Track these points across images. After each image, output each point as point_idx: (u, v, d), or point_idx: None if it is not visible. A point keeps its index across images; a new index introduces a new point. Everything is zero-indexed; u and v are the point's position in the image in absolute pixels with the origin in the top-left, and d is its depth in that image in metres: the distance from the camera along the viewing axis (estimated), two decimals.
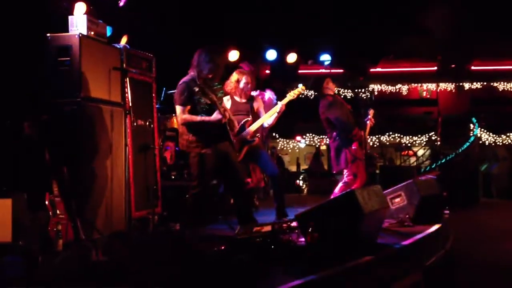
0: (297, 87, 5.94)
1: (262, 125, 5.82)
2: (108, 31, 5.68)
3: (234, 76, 5.87)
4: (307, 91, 15.85)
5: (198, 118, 4.82)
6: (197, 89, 4.82)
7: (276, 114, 5.77)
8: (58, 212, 4.29)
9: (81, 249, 4.14)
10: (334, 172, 7.12)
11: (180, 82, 4.92)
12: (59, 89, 4.84)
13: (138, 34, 7.54)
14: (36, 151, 4.56)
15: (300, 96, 6.22)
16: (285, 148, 18.25)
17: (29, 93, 5.22)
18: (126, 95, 5.15)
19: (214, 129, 4.85)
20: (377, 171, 11.56)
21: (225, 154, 4.95)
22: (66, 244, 4.26)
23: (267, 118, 5.78)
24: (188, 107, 4.83)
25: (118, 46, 5.44)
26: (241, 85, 5.80)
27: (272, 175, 5.94)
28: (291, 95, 5.88)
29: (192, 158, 4.90)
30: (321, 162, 15.31)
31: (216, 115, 4.77)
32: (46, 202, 4.26)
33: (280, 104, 5.75)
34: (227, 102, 5.72)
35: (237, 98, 5.83)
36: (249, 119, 5.76)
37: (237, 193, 5.10)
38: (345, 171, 6.62)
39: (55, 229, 4.22)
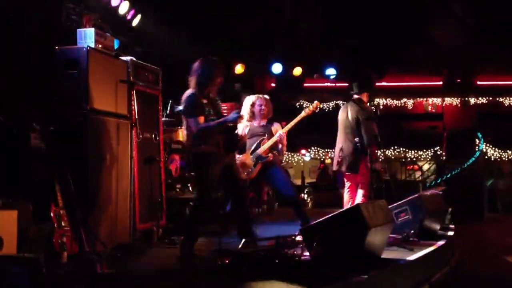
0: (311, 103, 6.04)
1: (278, 147, 5.84)
2: (116, 44, 5.74)
3: (248, 100, 5.95)
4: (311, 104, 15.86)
5: (214, 122, 4.71)
6: (205, 101, 4.76)
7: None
8: (63, 224, 4.30)
9: (86, 261, 4.15)
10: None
11: (187, 95, 4.77)
12: (67, 100, 4.89)
13: (145, 47, 7.61)
14: (42, 162, 4.59)
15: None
16: (289, 162, 18.23)
17: (37, 103, 5.26)
18: (133, 107, 5.19)
19: (223, 140, 4.78)
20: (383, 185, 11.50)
21: (229, 165, 4.89)
22: (71, 256, 4.26)
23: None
24: (202, 117, 4.69)
25: (125, 59, 5.49)
26: (256, 108, 5.92)
27: (287, 197, 5.91)
28: (306, 111, 5.94)
29: (197, 171, 4.83)
30: (329, 176, 15.26)
31: (233, 114, 4.69)
32: (51, 214, 4.27)
33: (291, 124, 5.85)
34: (245, 129, 5.79)
35: (254, 123, 5.96)
36: (265, 137, 5.85)
37: (239, 208, 5.03)
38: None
39: (59, 241, 4.23)
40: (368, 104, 7.04)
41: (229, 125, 4.78)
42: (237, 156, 5.61)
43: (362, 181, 6.62)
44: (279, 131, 5.84)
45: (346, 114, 6.72)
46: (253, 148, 5.86)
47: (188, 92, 4.79)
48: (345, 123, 6.69)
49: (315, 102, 6.12)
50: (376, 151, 6.74)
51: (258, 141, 5.84)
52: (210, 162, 4.70)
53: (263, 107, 5.92)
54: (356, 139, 6.57)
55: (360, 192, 6.66)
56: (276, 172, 5.84)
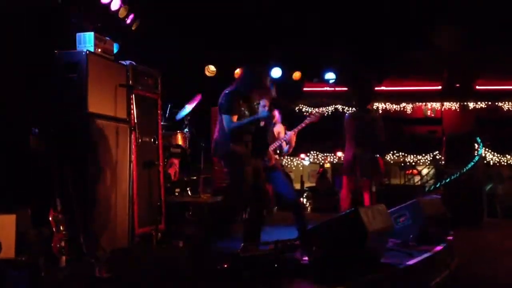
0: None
1: (284, 148, 5.74)
2: (115, 48, 5.74)
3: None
4: (311, 108, 15.90)
5: (246, 119, 4.70)
6: (242, 102, 4.77)
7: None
8: (61, 228, 4.30)
9: (85, 265, 4.14)
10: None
11: (226, 92, 4.76)
12: (66, 104, 4.89)
13: (145, 51, 7.61)
14: (41, 166, 4.59)
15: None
16: (289, 166, 18.24)
17: (36, 107, 5.26)
18: (132, 111, 5.18)
19: (254, 143, 4.77)
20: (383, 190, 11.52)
21: (257, 170, 4.85)
22: (69, 260, 4.25)
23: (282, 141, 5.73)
24: (236, 116, 4.68)
25: (125, 63, 5.49)
26: (259, 108, 5.75)
27: (288, 200, 5.71)
28: (312, 118, 5.83)
29: (230, 168, 4.73)
30: (328, 180, 15.27)
31: (264, 112, 4.71)
32: (50, 218, 4.27)
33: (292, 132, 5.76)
34: None
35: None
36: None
37: (258, 212, 4.99)
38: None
39: (58, 245, 4.22)
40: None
41: (261, 125, 4.76)
42: None
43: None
44: (288, 132, 5.72)
45: (359, 121, 6.87)
46: None
47: (227, 89, 4.81)
48: (357, 130, 6.83)
49: (321, 109, 6.09)
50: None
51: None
52: (243, 161, 4.68)
53: (266, 108, 5.85)
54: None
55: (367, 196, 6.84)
56: (277, 175, 5.78)
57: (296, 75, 11.74)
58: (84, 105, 4.84)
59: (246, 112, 4.78)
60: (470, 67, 14.67)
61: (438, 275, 4.93)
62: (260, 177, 4.90)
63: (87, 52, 4.91)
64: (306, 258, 4.16)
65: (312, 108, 15.75)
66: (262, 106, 5.33)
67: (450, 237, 5.98)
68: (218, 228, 4.78)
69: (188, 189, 7.26)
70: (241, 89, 4.80)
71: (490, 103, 17.14)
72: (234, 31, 10.52)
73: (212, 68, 10.68)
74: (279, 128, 5.88)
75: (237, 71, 11.03)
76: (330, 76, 12.18)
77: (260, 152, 4.86)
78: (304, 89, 13.66)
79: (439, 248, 5.22)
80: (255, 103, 4.97)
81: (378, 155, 6.87)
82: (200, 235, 4.82)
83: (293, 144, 5.77)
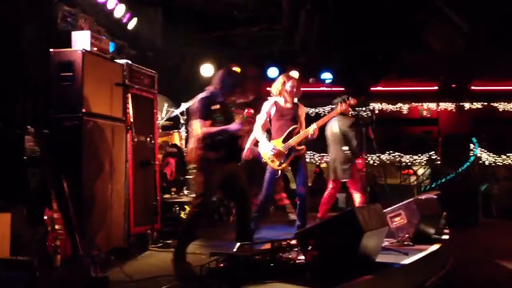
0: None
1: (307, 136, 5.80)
2: (111, 47, 5.73)
3: (281, 79, 5.90)
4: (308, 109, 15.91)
5: (216, 128, 4.72)
6: (217, 107, 4.77)
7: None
8: (56, 227, 4.28)
9: (80, 265, 4.12)
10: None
11: (200, 97, 4.81)
12: (61, 104, 4.88)
13: (141, 51, 7.61)
14: (36, 166, 4.57)
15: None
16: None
17: (31, 106, 5.24)
18: (128, 110, 5.17)
19: (227, 147, 4.77)
20: (378, 189, 11.55)
21: (232, 171, 4.86)
22: (64, 260, 4.24)
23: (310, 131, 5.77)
24: (209, 122, 4.72)
25: (121, 62, 5.48)
26: (288, 87, 5.82)
27: (299, 193, 5.85)
28: (340, 108, 6.11)
29: (198, 176, 4.80)
30: (324, 180, 15.27)
31: (236, 124, 4.70)
32: (45, 217, 4.25)
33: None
34: (271, 108, 5.81)
35: (281, 103, 5.86)
36: (297, 126, 5.80)
37: (243, 212, 5.00)
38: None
39: (53, 244, 4.20)
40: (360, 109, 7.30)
41: (233, 133, 4.74)
42: (268, 144, 5.64)
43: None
44: (313, 124, 5.77)
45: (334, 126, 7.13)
46: (284, 136, 5.74)
47: (201, 94, 4.83)
48: (335, 135, 7.12)
49: (351, 98, 6.13)
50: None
51: (289, 130, 5.73)
52: (212, 170, 4.70)
53: (295, 89, 5.86)
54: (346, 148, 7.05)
55: (358, 196, 7.05)
56: (302, 166, 5.82)
57: (293, 75, 11.73)
58: (79, 104, 4.83)
59: (222, 118, 4.78)
60: (466, 68, 14.68)
61: (433, 275, 4.93)
62: (239, 178, 4.93)
63: (83, 51, 4.90)
64: (302, 258, 4.16)
65: (308, 108, 15.74)
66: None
67: (446, 237, 5.99)
68: (188, 234, 4.81)
69: (184, 188, 7.26)
70: (219, 92, 4.81)
71: (486, 104, 17.18)
72: (232, 30, 10.53)
73: (209, 67, 10.66)
74: (302, 109, 6.01)
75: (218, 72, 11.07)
76: (326, 76, 12.19)
77: (236, 155, 4.87)
78: (300, 89, 13.67)
79: (434, 247, 5.23)
80: (230, 108, 4.96)
81: (355, 157, 7.16)
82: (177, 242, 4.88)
83: (315, 136, 5.84)
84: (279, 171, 5.71)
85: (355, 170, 7.15)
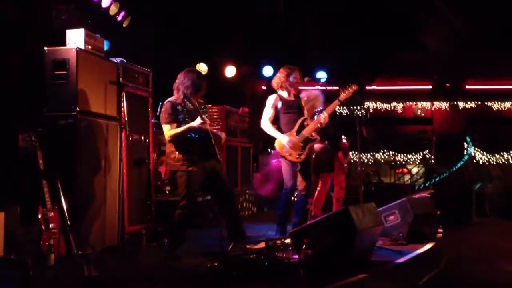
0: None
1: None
2: (106, 45, 5.71)
3: (284, 72, 5.80)
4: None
5: (181, 128, 4.81)
6: (181, 109, 4.88)
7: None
8: (50, 226, 4.27)
9: (74, 264, 4.12)
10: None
11: (165, 102, 4.95)
12: (56, 102, 4.86)
13: (136, 48, 7.59)
14: (30, 164, 4.56)
15: None
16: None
17: (25, 105, 5.22)
18: (122, 109, 5.15)
19: (200, 145, 4.87)
20: (373, 188, 11.57)
21: (212, 169, 4.96)
22: (58, 259, 4.23)
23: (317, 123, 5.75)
24: (175, 125, 4.84)
25: (115, 60, 5.47)
26: (291, 79, 5.74)
27: (302, 189, 5.76)
28: (344, 95, 5.90)
29: (179, 178, 4.87)
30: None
31: (198, 120, 4.76)
32: (39, 216, 4.24)
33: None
34: (277, 102, 5.70)
35: (285, 96, 5.77)
36: (306, 117, 5.76)
37: (227, 208, 5.06)
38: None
39: (47, 243, 4.20)
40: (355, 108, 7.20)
41: (197, 130, 4.82)
42: (284, 137, 5.55)
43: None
44: (323, 112, 5.76)
45: None
46: (297, 128, 5.67)
47: (166, 101, 4.97)
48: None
49: (352, 85, 5.99)
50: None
51: (301, 121, 5.68)
52: (189, 170, 4.81)
53: (297, 81, 5.79)
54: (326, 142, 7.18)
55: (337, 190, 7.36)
56: (310, 161, 5.79)
57: None
58: (73, 102, 4.81)
59: (187, 119, 4.86)
60: (460, 67, 14.73)
61: (427, 274, 4.96)
62: (219, 176, 5.04)
63: (77, 49, 4.88)
64: (296, 256, 4.17)
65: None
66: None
67: (440, 236, 6.01)
68: (177, 236, 4.89)
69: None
70: (184, 94, 4.88)
71: (480, 103, 17.24)
72: (226, 29, 10.52)
73: (203, 66, 10.66)
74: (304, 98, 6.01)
75: (229, 69, 11.07)
76: (321, 75, 12.21)
77: (210, 153, 4.92)
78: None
79: (428, 246, 5.24)
80: (202, 108, 5.03)
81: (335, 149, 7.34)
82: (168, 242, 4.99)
83: (326, 124, 5.83)
84: (299, 164, 5.63)
85: (337, 163, 7.30)
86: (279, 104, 5.72)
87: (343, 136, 7.69)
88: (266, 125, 5.68)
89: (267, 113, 5.71)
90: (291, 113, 5.72)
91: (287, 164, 5.62)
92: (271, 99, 5.75)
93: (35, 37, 5.52)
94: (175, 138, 4.85)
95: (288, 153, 5.58)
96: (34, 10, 5.80)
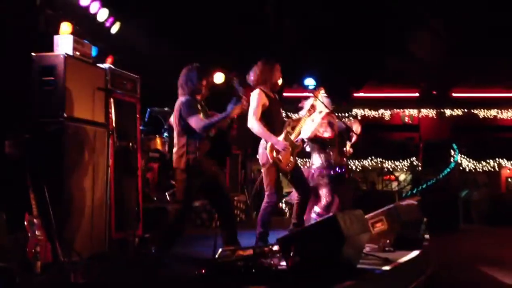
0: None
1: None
2: (94, 51, 5.70)
3: (268, 65, 5.40)
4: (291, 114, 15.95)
5: (215, 118, 4.69)
6: (199, 106, 4.82)
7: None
8: (37, 233, 4.24)
9: (60, 271, 4.09)
10: None
11: (183, 100, 4.75)
12: (43, 108, 4.83)
13: (124, 55, 7.58)
14: (17, 171, 4.53)
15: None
16: None
17: (12, 111, 5.19)
18: (110, 115, 5.14)
19: (213, 149, 4.80)
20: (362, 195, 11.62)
21: (215, 177, 4.87)
22: (45, 266, 4.20)
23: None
24: (201, 115, 4.71)
25: (103, 67, 5.45)
26: (276, 73, 5.40)
27: (306, 192, 5.48)
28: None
29: (181, 182, 4.78)
30: None
31: (232, 105, 4.61)
32: (25, 223, 4.21)
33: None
34: (264, 99, 5.19)
35: (268, 93, 5.31)
36: (290, 120, 5.42)
37: (225, 215, 4.98)
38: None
39: (33, 250, 4.16)
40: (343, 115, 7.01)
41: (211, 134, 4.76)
42: (280, 142, 5.09)
43: None
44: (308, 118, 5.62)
45: None
46: (285, 131, 5.30)
47: (182, 98, 4.80)
48: None
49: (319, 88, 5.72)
50: None
51: (287, 124, 5.33)
52: (197, 173, 4.70)
53: (279, 74, 5.47)
54: None
55: None
56: (297, 164, 5.52)
57: None
58: (61, 109, 4.79)
59: (203, 116, 4.80)
60: (447, 75, 14.87)
61: (414, 281, 4.98)
62: (220, 180, 4.94)
63: (65, 55, 4.87)
64: (284, 263, 4.17)
65: (292, 114, 15.80)
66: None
67: (426, 243, 6.04)
68: (169, 238, 4.83)
69: (166, 194, 7.23)
70: (193, 93, 4.82)
71: (466, 110, 17.39)
72: (214, 34, 10.53)
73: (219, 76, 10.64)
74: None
75: (218, 75, 11.06)
76: (309, 82, 12.26)
77: (220, 156, 4.86)
78: (284, 94, 13.68)
79: (415, 253, 5.27)
80: (205, 107, 4.97)
81: None
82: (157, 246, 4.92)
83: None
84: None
85: None
86: (266, 102, 5.18)
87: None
88: (257, 125, 5.07)
89: (256, 111, 5.11)
90: (275, 112, 5.28)
91: (275, 173, 5.18)
92: (257, 95, 5.16)
93: (23, 43, 5.49)
94: (207, 129, 4.68)
95: (278, 160, 5.10)
96: (21, 16, 5.78)
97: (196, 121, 4.63)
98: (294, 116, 6.46)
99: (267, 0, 11.25)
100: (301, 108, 5.89)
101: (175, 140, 4.85)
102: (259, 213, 5.27)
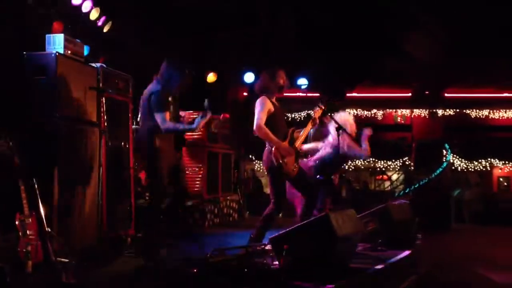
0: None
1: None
2: (86, 50, 5.68)
3: (273, 72, 5.41)
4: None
5: (181, 126, 5.04)
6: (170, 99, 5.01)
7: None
8: (28, 232, 4.22)
9: (51, 271, 4.07)
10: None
11: (154, 90, 4.94)
12: (35, 107, 4.81)
13: (117, 54, 7.55)
14: (8, 170, 4.50)
15: None
16: (261, 170, 18.27)
17: (3, 111, 5.16)
18: (102, 114, 5.12)
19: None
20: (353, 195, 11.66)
21: (177, 168, 5.31)
22: (36, 266, 4.18)
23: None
24: (168, 113, 4.89)
25: (95, 66, 5.43)
26: (281, 81, 5.40)
27: (312, 194, 5.46)
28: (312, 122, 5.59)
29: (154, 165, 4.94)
30: None
31: (196, 123, 4.89)
32: (16, 223, 4.19)
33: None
34: (269, 105, 5.23)
35: (272, 100, 5.36)
36: (294, 128, 5.42)
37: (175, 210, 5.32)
38: None
39: (24, 250, 4.14)
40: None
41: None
42: (286, 147, 5.15)
43: None
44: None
45: None
46: (290, 137, 5.35)
47: (153, 87, 4.95)
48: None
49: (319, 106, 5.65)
50: None
51: (291, 132, 5.36)
52: (162, 158, 4.91)
53: (284, 82, 5.47)
54: None
55: None
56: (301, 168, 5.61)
57: None
58: (53, 108, 4.77)
59: (172, 109, 5.05)
60: (439, 75, 14.94)
61: (406, 280, 4.99)
62: (180, 171, 5.33)
63: (57, 54, 4.85)
64: (276, 263, 4.17)
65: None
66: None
67: (418, 242, 6.06)
68: (156, 230, 4.94)
69: None
70: (167, 85, 4.96)
71: (458, 110, 17.49)
72: (208, 33, 10.53)
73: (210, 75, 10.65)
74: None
75: (210, 75, 11.06)
76: (302, 82, 12.27)
77: (179, 145, 5.07)
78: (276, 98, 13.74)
79: (407, 253, 5.28)
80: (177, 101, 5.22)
81: None
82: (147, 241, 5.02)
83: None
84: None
85: None
86: (271, 108, 5.24)
87: None
88: (264, 130, 5.11)
89: (261, 116, 5.15)
90: (279, 119, 5.35)
91: (280, 178, 5.20)
92: (263, 102, 5.23)
93: (14, 42, 5.46)
94: (169, 132, 4.98)
95: (286, 163, 5.13)
96: (13, 15, 5.74)
97: (161, 120, 4.84)
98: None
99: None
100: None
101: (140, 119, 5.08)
102: (262, 217, 5.23)
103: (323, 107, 5.59)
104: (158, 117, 4.82)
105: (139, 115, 5.14)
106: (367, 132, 6.45)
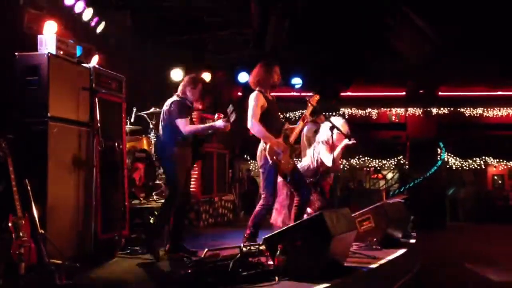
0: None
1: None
2: (78, 50, 5.65)
3: (267, 67, 5.35)
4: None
5: (202, 126, 5.46)
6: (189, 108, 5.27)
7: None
8: (21, 234, 4.19)
9: (45, 273, 4.04)
10: None
11: (173, 100, 5.24)
12: (27, 108, 4.77)
13: (110, 54, 7.53)
14: (0, 171, 4.47)
15: None
16: (256, 170, 18.27)
17: None
18: (95, 115, 5.09)
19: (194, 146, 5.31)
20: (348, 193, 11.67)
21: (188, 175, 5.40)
22: (29, 268, 4.15)
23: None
24: (189, 119, 5.18)
25: (88, 66, 5.40)
26: (275, 75, 5.31)
27: (307, 195, 5.41)
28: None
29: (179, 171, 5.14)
30: None
31: (221, 121, 5.20)
32: (9, 224, 4.16)
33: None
34: (262, 100, 5.15)
35: (266, 95, 5.27)
36: (287, 123, 5.38)
37: (180, 217, 5.33)
38: None
39: (17, 251, 4.11)
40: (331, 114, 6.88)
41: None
42: (280, 143, 5.08)
43: None
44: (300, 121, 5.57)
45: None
46: (284, 134, 5.29)
47: (173, 98, 5.26)
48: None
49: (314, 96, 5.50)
50: None
51: (285, 128, 5.31)
52: (181, 164, 5.15)
53: (278, 76, 5.39)
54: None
55: None
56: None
57: None
58: (45, 109, 4.73)
59: (192, 119, 5.39)
60: (434, 74, 14.97)
61: (401, 278, 5.00)
62: (189, 178, 5.47)
63: (49, 54, 4.82)
64: (271, 262, 4.16)
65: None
66: (230, 111, 5.30)
67: (413, 241, 6.07)
68: (159, 230, 5.25)
69: (153, 194, 7.19)
70: (187, 98, 5.30)
71: (452, 109, 17.53)
72: (202, 34, 10.51)
73: (178, 72, 10.61)
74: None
75: (204, 75, 11.05)
76: (296, 81, 12.28)
77: (196, 156, 5.37)
78: (271, 94, 13.73)
79: (402, 251, 5.29)
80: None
81: None
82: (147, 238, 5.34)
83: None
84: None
85: None
86: (265, 104, 5.14)
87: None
88: (257, 126, 5.02)
89: (255, 112, 5.06)
90: (272, 113, 5.23)
91: (274, 174, 5.10)
92: (256, 97, 5.13)
93: (6, 42, 5.43)
94: (191, 134, 5.29)
95: (280, 161, 5.07)
96: (5, 15, 5.71)
97: (182, 124, 5.11)
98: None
99: None
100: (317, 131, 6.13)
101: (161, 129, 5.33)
102: (253, 214, 5.16)
103: (313, 104, 5.48)
104: (179, 122, 5.11)
105: (160, 124, 5.37)
106: (348, 142, 6.11)
